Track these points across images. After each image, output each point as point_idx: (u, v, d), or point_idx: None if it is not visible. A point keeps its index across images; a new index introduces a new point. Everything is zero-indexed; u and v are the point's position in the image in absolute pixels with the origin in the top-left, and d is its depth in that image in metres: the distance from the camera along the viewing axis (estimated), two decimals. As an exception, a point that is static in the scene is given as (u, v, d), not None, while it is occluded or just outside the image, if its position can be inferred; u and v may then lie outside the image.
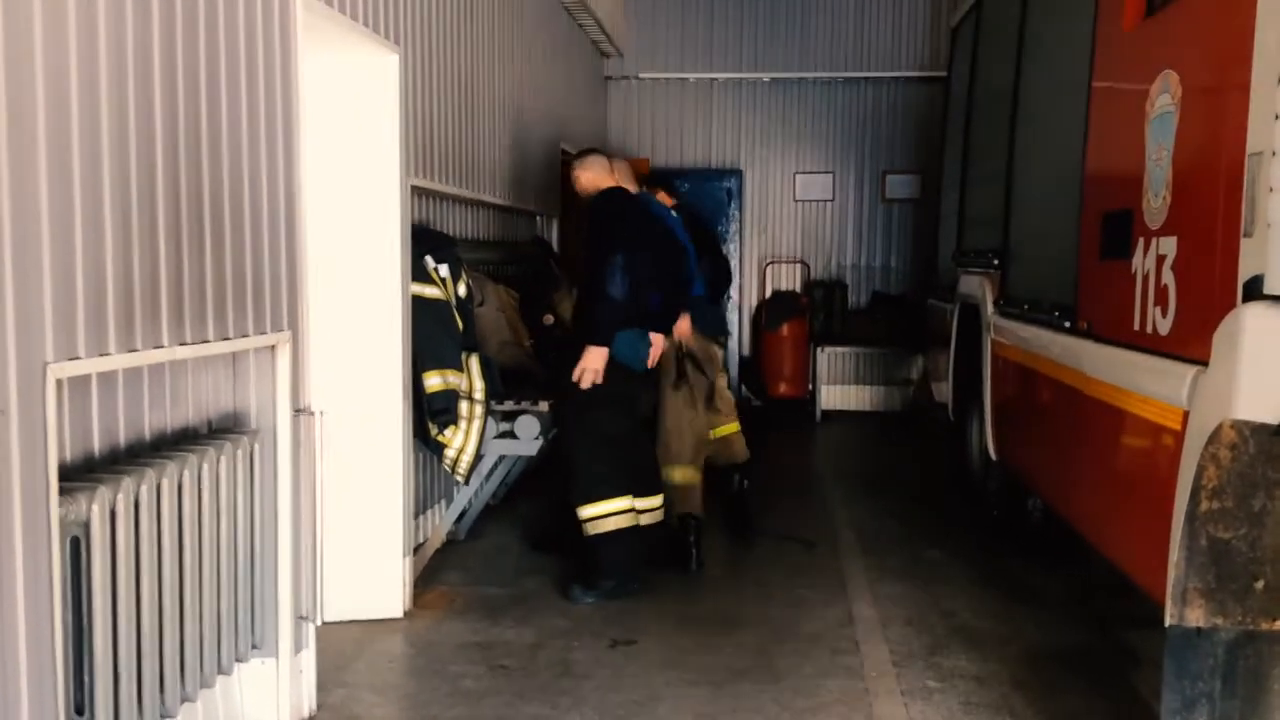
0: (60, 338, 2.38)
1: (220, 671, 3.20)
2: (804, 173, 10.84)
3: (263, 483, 3.44)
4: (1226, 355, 2.69)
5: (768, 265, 10.89)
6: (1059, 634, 4.62)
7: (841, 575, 5.42)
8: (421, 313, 4.83)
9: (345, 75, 4.48)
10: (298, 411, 3.60)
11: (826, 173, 10.80)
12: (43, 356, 2.33)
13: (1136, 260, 3.47)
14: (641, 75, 10.91)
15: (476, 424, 4.97)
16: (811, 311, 10.34)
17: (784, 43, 10.76)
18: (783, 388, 10.35)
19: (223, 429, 3.41)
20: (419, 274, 4.87)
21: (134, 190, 2.68)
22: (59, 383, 2.39)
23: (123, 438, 2.91)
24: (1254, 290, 2.63)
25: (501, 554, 5.73)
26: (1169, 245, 3.21)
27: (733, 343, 10.66)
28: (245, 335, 3.28)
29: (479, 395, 5.03)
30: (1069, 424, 4.20)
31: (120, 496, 2.63)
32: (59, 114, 2.39)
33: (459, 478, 5.02)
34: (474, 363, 5.04)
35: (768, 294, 10.81)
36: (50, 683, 2.37)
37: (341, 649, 4.30)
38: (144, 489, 2.73)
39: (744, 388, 10.79)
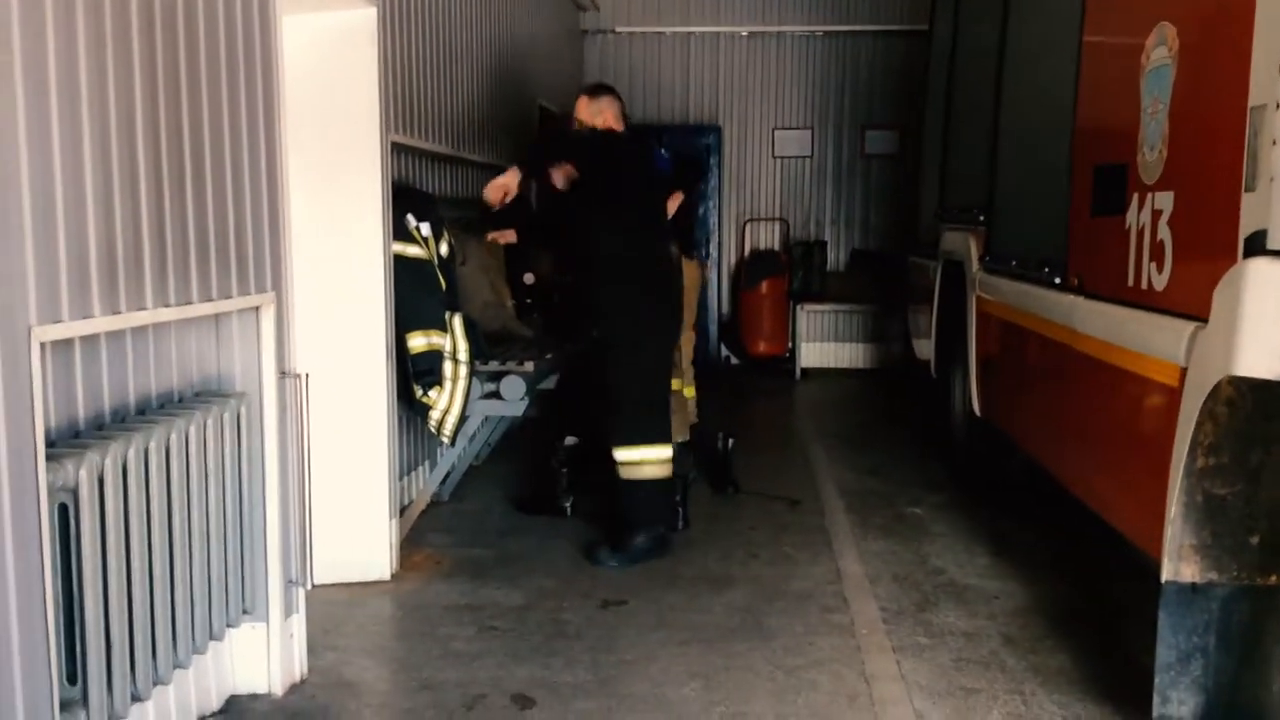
0: (43, 300, 2.32)
1: (211, 637, 3.16)
2: (783, 128, 10.77)
3: (249, 447, 3.39)
4: (1227, 311, 2.67)
5: (746, 223, 10.83)
6: (1046, 590, 4.63)
7: (827, 533, 5.43)
8: (404, 272, 4.75)
9: (323, 29, 4.38)
10: (283, 374, 3.54)
11: (805, 128, 10.73)
12: (26, 319, 2.26)
13: (1131, 215, 3.45)
14: (618, 29, 10.77)
15: (461, 385, 4.92)
16: (791, 269, 10.30)
17: (762, -4, 10.67)
18: (762, 346, 10.33)
19: (207, 393, 3.35)
20: (401, 233, 4.80)
21: (114, 150, 2.60)
22: (43, 346, 2.32)
23: (107, 403, 2.85)
24: (1256, 245, 2.61)
25: (486, 515, 5.70)
26: (1165, 200, 3.18)
27: (711, 301, 10.64)
28: (229, 297, 3.22)
29: (463, 356, 4.97)
30: (1058, 380, 4.20)
31: (108, 462, 2.58)
32: (36, 70, 2.31)
33: (444, 439, 4.97)
34: (457, 323, 4.98)
35: (746, 252, 10.77)
36: (42, 653, 2.33)
37: (330, 612, 4.26)
38: (131, 454, 2.68)
39: (723, 346, 10.77)
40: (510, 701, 3.59)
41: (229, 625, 3.28)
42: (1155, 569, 3.28)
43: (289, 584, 3.60)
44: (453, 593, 4.57)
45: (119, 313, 2.62)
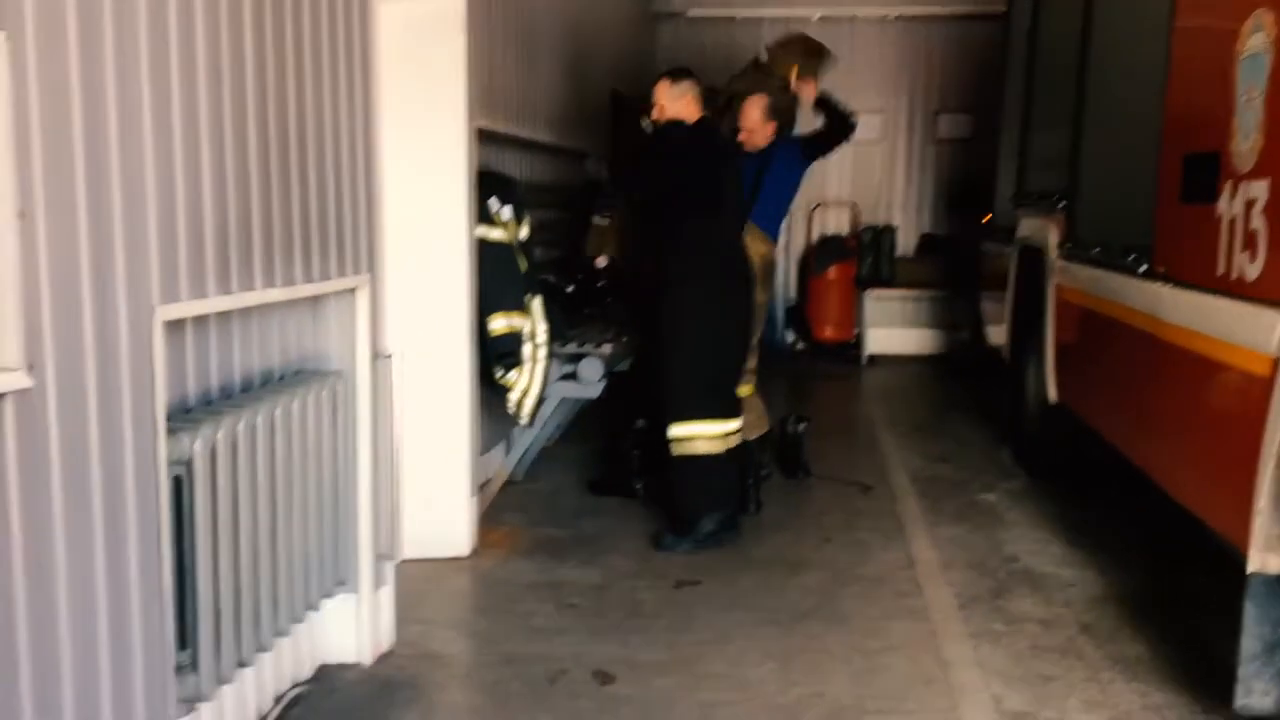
0: (165, 281, 2.41)
1: (309, 607, 3.27)
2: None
3: (345, 424, 3.49)
4: (1324, 302, 2.65)
5: (815, 208, 10.80)
6: (1122, 578, 4.62)
7: (899, 518, 5.45)
8: (486, 255, 4.84)
9: (413, 17, 4.45)
10: (376, 354, 3.64)
11: (877, 112, 10.66)
12: (150, 300, 2.36)
13: (1222, 204, 3.42)
14: (690, 13, 10.78)
15: (540, 366, 4.99)
16: (860, 254, 10.26)
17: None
18: (829, 331, 10.30)
19: (305, 371, 3.45)
20: (483, 216, 4.88)
21: (228, 139, 2.70)
22: (164, 325, 2.42)
23: (215, 380, 2.95)
24: (1356, 237, 2.59)
25: (559, 495, 5.79)
26: (1260, 189, 3.15)
27: (779, 286, 10.61)
28: (329, 278, 3.31)
29: (541, 338, 5.04)
30: (1142, 369, 4.17)
31: (220, 436, 2.68)
32: (160, 70, 2.41)
33: (523, 420, 5.05)
34: (537, 305, 5.06)
35: (815, 238, 10.74)
36: (159, 619, 2.43)
37: (413, 586, 4.35)
38: (241, 428, 2.78)
39: (790, 331, 10.76)
40: (591, 677, 3.66)
41: (324, 596, 3.39)
42: (1238, 559, 3.28)
43: (379, 557, 3.70)
44: (531, 570, 4.66)
45: (231, 293, 2.72)
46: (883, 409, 8.22)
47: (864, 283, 10.27)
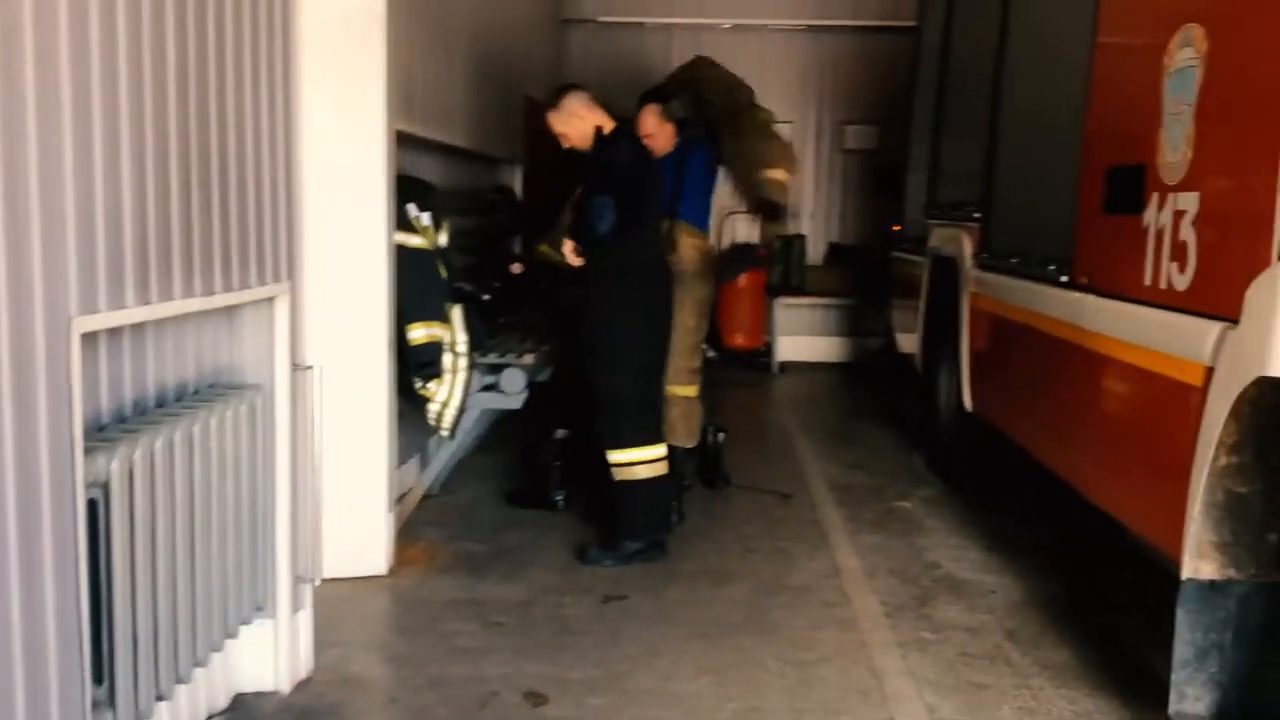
0: (83, 291, 2.26)
1: (227, 635, 3.11)
2: (762, 122, 10.73)
3: (264, 440, 3.33)
4: (1262, 313, 2.69)
5: (726, 216, 10.79)
6: (1040, 583, 4.68)
7: (821, 527, 5.44)
8: (406, 263, 4.70)
9: (329, 15, 4.30)
10: (295, 366, 3.49)
11: (785, 122, 10.67)
12: (67, 310, 2.20)
13: (1149, 215, 3.47)
14: (600, 18, 10.72)
15: (461, 376, 4.87)
16: (770, 263, 10.30)
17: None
18: (740, 339, 10.30)
19: (220, 385, 3.29)
20: (402, 222, 4.74)
21: (148, 139, 2.54)
22: (81, 337, 2.26)
23: (128, 395, 2.79)
24: (1295, 248, 2.63)
25: (477, 508, 5.66)
26: (1189, 201, 3.20)
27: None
28: (248, 287, 3.16)
29: (462, 348, 4.93)
30: (1064, 377, 4.22)
31: (138, 455, 2.52)
32: (80, 71, 2.25)
33: (444, 431, 4.92)
34: (457, 314, 4.94)
35: (726, 246, 10.75)
36: (76, 652, 2.27)
37: (329, 608, 4.18)
38: (159, 447, 2.62)
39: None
40: (522, 698, 3.56)
41: (242, 623, 3.23)
42: (1166, 565, 3.32)
43: (297, 580, 3.55)
44: (453, 587, 4.53)
45: (150, 303, 2.56)
46: (796, 416, 8.24)
47: (774, 291, 10.30)
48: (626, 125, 5.13)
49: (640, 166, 4.89)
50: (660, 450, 4.90)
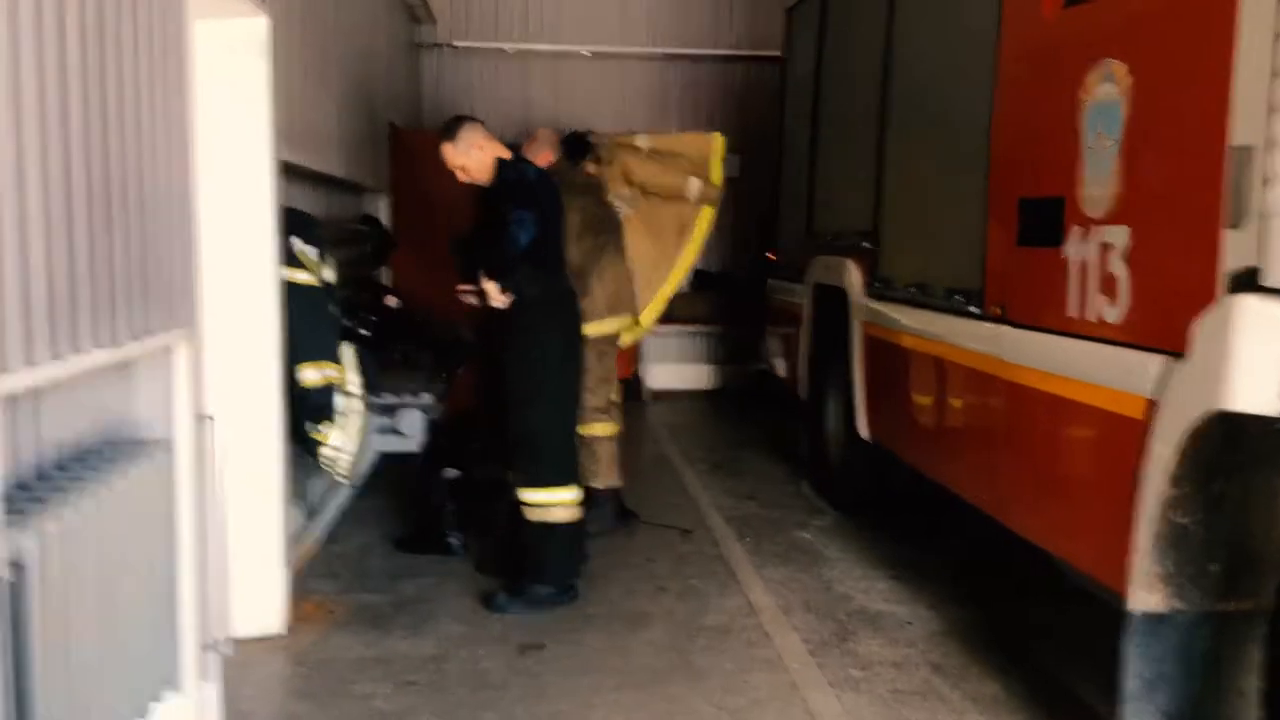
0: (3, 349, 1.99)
1: (138, 716, 2.81)
2: (625, 150, 10.69)
3: (166, 498, 3.04)
4: (1213, 347, 2.71)
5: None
6: (954, 612, 4.69)
7: (726, 562, 5.36)
8: (294, 300, 4.42)
9: (211, 40, 4.02)
10: (198, 417, 3.21)
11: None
12: (-22, 372, 1.93)
13: (1070, 248, 3.50)
14: (456, 43, 10.50)
15: (355, 419, 4.62)
16: (637, 291, 10.21)
17: (603, 16, 10.59)
18: (610, 368, 10.19)
19: (118, 440, 2.99)
20: (288, 257, 4.47)
21: (53, 181, 2.27)
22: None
23: (28, 458, 2.49)
24: (1245, 283, 2.66)
25: (367, 556, 5.37)
26: (1117, 234, 3.23)
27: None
28: (151, 334, 2.88)
29: (354, 389, 4.67)
30: (978, 407, 4.24)
31: (51, 527, 2.24)
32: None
33: (341, 478, 4.65)
34: (348, 353, 4.68)
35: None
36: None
37: (227, 673, 3.87)
38: (70, 516, 2.34)
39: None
40: (454, 765, 3.35)
41: (153, 699, 2.92)
42: (1087, 591, 3.35)
43: (204, 648, 3.26)
44: (356, 645, 4.27)
45: (61, 358, 2.29)
46: (676, 446, 8.16)
47: (642, 319, 10.22)
48: (520, 154, 4.96)
49: (548, 190, 4.74)
50: (577, 493, 4.74)
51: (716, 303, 10.48)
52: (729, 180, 10.69)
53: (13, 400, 2.38)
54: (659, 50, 10.67)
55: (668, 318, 10.24)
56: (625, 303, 5.87)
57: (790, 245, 7.54)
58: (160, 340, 2.98)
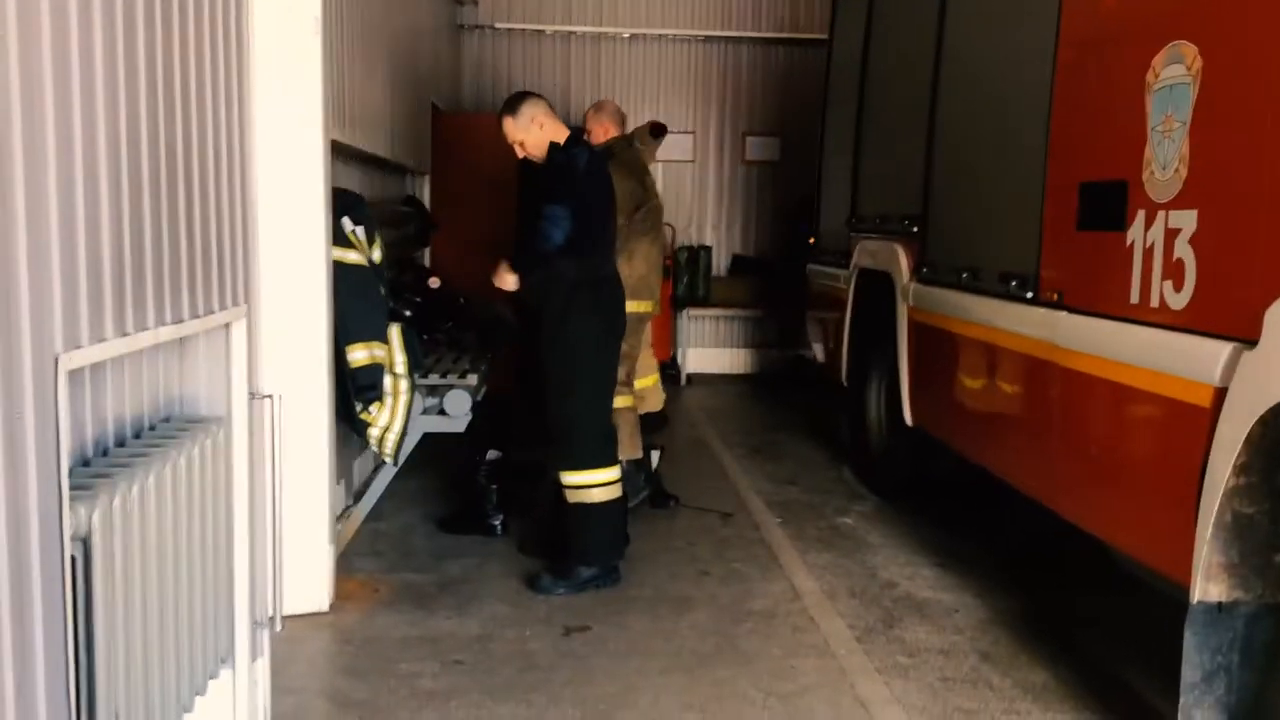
0: (67, 324, 1.98)
1: (196, 693, 2.82)
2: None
3: (224, 476, 3.05)
4: (1289, 334, 2.66)
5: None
6: (1001, 601, 4.65)
7: (768, 547, 5.33)
8: (343, 280, 4.43)
9: (267, 16, 4.00)
10: (253, 395, 3.21)
11: (688, 133, 10.65)
12: (53, 348, 1.93)
13: (1134, 233, 3.44)
14: (498, 25, 10.48)
15: (403, 399, 4.61)
16: (675, 274, 10.20)
17: (643, -1, 10.56)
18: (647, 351, 10.17)
19: (177, 418, 2.99)
20: (338, 238, 4.47)
21: (123, 158, 2.26)
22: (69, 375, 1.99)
23: (90, 435, 2.49)
24: (1321, 270, 2.61)
25: (410, 535, 5.39)
26: (1185, 219, 3.18)
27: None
28: (211, 312, 2.88)
29: (401, 369, 4.67)
30: (1033, 394, 4.19)
31: (117, 504, 2.24)
32: (61, 84, 1.98)
33: (386, 458, 4.66)
34: (395, 333, 4.68)
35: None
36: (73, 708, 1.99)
37: (274, 650, 3.90)
38: (135, 493, 2.34)
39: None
40: (504, 745, 3.35)
41: (211, 677, 2.93)
42: (1167, 587, 3.30)
43: (255, 625, 3.27)
44: (401, 624, 4.27)
45: (127, 334, 2.28)
46: (714, 430, 8.13)
47: (680, 303, 10.21)
48: (580, 134, 4.93)
49: (598, 177, 4.72)
50: (615, 472, 4.73)
51: (753, 287, 10.45)
52: (768, 164, 10.74)
53: (79, 376, 2.39)
54: (699, 33, 10.60)
55: (705, 301, 10.28)
56: (648, 288, 5.83)
57: (832, 230, 7.49)
58: (219, 318, 2.98)
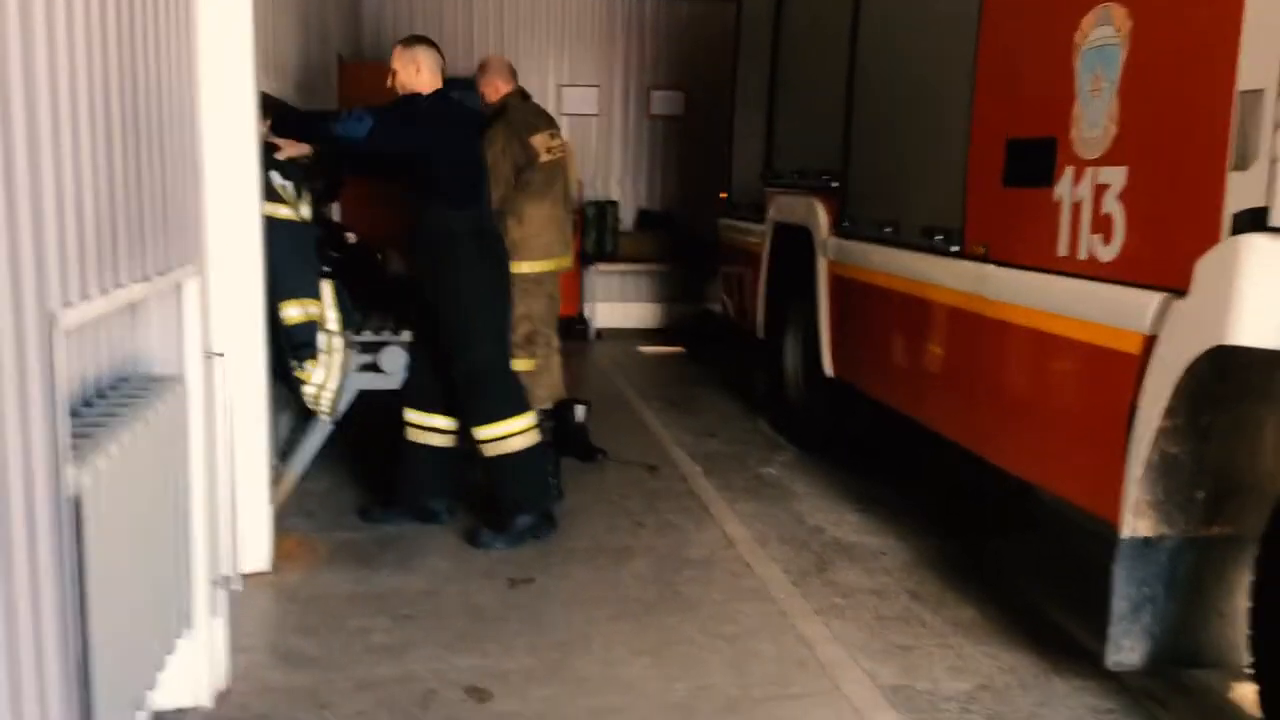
0: (64, 282, 1.96)
1: (167, 653, 2.81)
2: (570, 85, 10.63)
3: (181, 435, 3.02)
4: (1217, 284, 2.83)
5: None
6: (920, 542, 4.85)
7: (698, 498, 5.45)
8: (276, 236, 4.37)
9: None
10: (206, 354, 3.18)
11: (592, 86, 10.64)
12: (50, 305, 1.91)
13: (1062, 188, 3.60)
14: (398, -22, 10.29)
15: (337, 357, 4.59)
16: (583, 229, 10.21)
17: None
18: (555, 306, 10.19)
19: (134, 377, 2.95)
20: (269, 192, 4.40)
21: (98, 117, 2.23)
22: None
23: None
24: (1249, 222, 2.78)
25: (339, 493, 5.36)
26: (1114, 175, 3.34)
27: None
28: (170, 270, 2.84)
29: (333, 325, 4.64)
30: (960, 345, 4.35)
31: (101, 461, 2.22)
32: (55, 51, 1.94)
33: (324, 415, 4.63)
34: (327, 290, 4.63)
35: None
36: (72, 679, 1.99)
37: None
38: (115, 450, 2.32)
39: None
40: (465, 695, 3.40)
41: (177, 636, 2.92)
42: (1092, 524, 3.50)
43: (214, 584, 3.26)
44: (345, 581, 4.28)
45: (107, 292, 2.26)
46: (630, 384, 8.21)
47: (587, 258, 10.24)
48: (447, 95, 4.88)
49: (454, 127, 4.72)
50: (530, 419, 4.76)
51: (660, 241, 10.53)
52: (673, 118, 10.80)
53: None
54: (603, -16, 10.57)
55: (613, 256, 10.33)
56: (543, 246, 5.87)
57: (745, 184, 7.60)
58: (176, 276, 2.94)
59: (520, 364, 5.67)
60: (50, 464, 1.91)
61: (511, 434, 4.72)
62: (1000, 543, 4.85)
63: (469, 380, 4.68)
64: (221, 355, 3.25)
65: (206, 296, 3.21)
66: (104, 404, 2.63)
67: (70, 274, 2.02)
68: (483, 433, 4.70)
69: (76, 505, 2.13)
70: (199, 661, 3.20)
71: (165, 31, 2.82)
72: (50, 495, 1.90)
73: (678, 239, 10.48)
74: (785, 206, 6.56)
